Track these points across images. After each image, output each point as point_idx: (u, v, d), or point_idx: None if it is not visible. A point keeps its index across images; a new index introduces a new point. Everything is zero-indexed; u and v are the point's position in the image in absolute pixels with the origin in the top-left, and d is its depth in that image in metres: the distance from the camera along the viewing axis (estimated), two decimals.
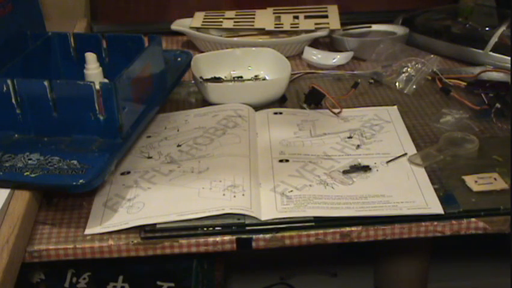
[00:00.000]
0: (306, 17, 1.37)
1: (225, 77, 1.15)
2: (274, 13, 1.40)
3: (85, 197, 0.82)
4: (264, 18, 1.37)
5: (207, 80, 1.11)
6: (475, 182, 0.83)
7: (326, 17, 1.36)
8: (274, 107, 1.05)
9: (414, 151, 0.91)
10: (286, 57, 1.12)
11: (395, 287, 1.37)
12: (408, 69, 1.12)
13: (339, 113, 1.02)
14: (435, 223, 0.78)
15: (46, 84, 0.82)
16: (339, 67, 1.21)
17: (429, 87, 1.12)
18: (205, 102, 1.07)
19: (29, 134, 0.86)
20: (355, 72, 1.18)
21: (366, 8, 1.49)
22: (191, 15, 1.38)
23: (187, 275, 0.93)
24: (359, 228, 0.77)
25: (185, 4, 1.45)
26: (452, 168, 0.87)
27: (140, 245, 0.76)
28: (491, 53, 1.18)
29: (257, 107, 1.04)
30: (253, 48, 1.19)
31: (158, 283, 0.92)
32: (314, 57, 1.23)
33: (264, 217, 0.78)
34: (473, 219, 0.78)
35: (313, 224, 0.77)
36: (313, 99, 1.04)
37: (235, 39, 1.30)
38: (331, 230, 0.77)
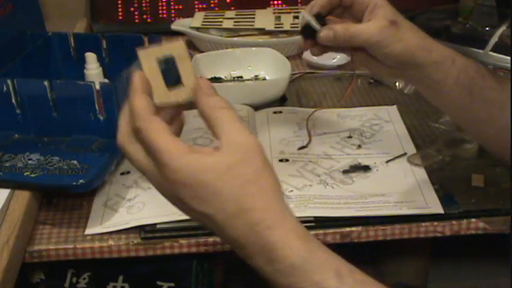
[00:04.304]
0: None
1: (225, 77, 1.15)
2: (274, 13, 1.40)
3: (85, 197, 0.82)
4: (264, 18, 1.37)
5: None
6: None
7: None
8: (274, 107, 1.05)
9: (414, 151, 0.91)
10: (286, 57, 1.12)
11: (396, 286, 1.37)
12: None
13: None
14: (436, 223, 0.78)
15: (46, 84, 0.82)
16: (339, 67, 1.21)
17: None
18: None
19: (29, 134, 0.86)
20: (355, 72, 1.18)
21: None
22: (191, 15, 1.38)
23: (187, 275, 0.93)
24: (359, 228, 0.77)
25: (185, 4, 1.45)
26: (452, 168, 0.87)
27: (140, 245, 0.76)
28: (491, 53, 1.18)
29: (257, 107, 1.04)
30: (253, 48, 1.18)
31: (158, 283, 0.92)
32: (314, 57, 1.23)
33: None
34: (473, 219, 0.78)
35: (313, 224, 0.77)
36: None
37: (235, 39, 1.30)
38: (331, 230, 0.77)
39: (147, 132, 0.52)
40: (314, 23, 0.75)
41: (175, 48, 0.53)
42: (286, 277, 0.50)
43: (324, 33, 0.75)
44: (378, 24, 0.72)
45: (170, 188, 0.52)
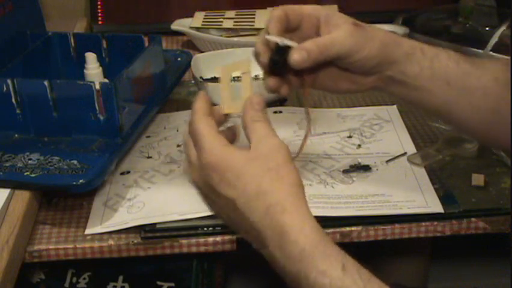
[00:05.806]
0: None
1: None
2: None
3: (85, 197, 0.82)
4: (264, 18, 1.37)
5: (207, 80, 1.11)
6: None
7: None
8: (274, 107, 1.05)
9: (414, 151, 0.91)
10: None
11: (395, 287, 1.37)
12: None
13: None
14: (435, 223, 0.78)
15: (46, 84, 0.82)
16: None
17: None
18: None
19: (29, 134, 0.86)
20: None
21: (366, 8, 1.49)
22: (191, 15, 1.38)
23: (187, 275, 0.93)
24: (359, 228, 0.77)
25: (185, 4, 1.45)
26: (452, 168, 0.87)
27: (140, 245, 0.76)
28: (491, 53, 1.18)
29: None
30: (254, 48, 1.18)
31: (158, 283, 0.92)
32: None
33: None
34: (473, 219, 0.78)
35: None
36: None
37: (235, 39, 1.30)
38: (331, 230, 0.77)
39: (196, 123, 0.60)
40: (288, 41, 0.63)
41: (243, 64, 0.64)
42: (295, 263, 0.54)
43: (297, 55, 0.65)
44: (345, 29, 0.67)
45: (203, 173, 0.59)
